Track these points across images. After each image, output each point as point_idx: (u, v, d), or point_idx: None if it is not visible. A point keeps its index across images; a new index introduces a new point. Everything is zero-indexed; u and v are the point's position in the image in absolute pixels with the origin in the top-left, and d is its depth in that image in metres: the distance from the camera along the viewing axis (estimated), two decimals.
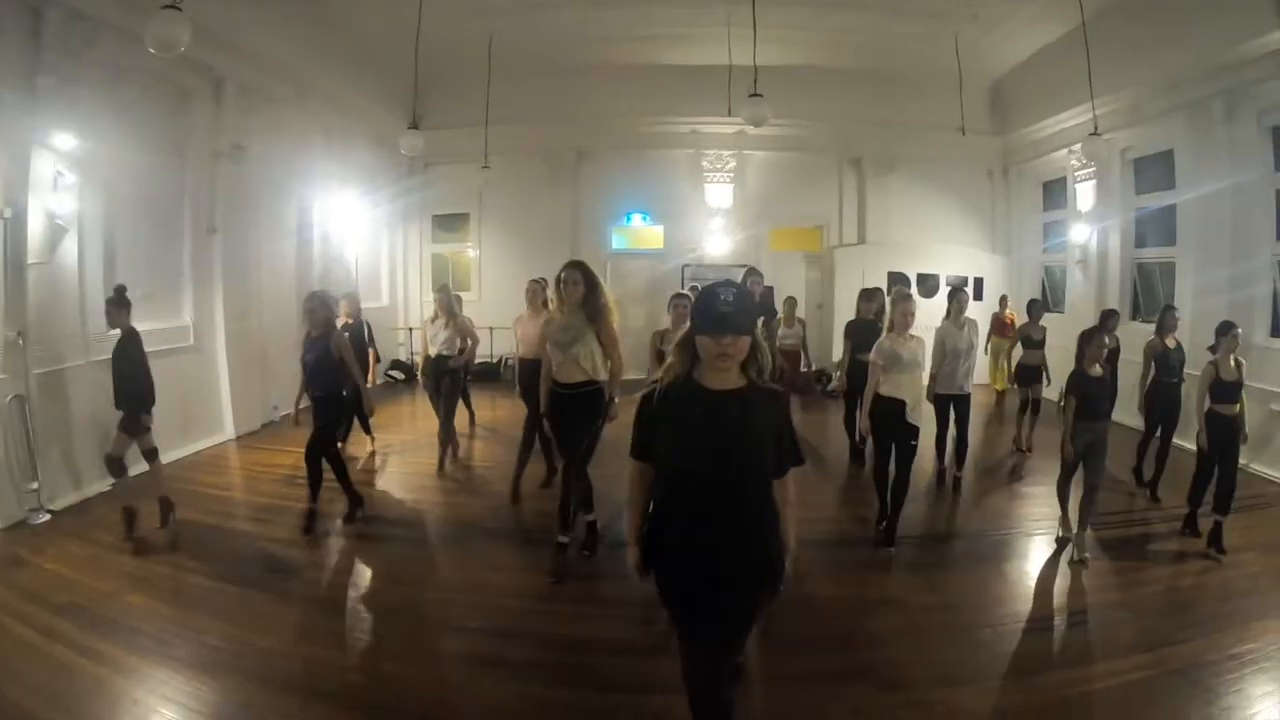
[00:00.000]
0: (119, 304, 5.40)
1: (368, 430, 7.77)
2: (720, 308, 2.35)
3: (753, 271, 7.28)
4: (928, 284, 12.31)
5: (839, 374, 8.09)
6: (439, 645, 4.17)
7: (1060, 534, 5.56)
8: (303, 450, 5.72)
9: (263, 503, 6.43)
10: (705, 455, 2.38)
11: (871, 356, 5.51)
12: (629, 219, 13.34)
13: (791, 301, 9.52)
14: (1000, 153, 12.86)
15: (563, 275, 4.95)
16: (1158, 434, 6.82)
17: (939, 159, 12.61)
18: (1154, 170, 9.65)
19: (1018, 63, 11.50)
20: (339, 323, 7.18)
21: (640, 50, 11.56)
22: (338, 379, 5.71)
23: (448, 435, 7.44)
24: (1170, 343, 6.63)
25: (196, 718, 3.45)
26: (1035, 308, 8.71)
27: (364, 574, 5.15)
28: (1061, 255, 11.69)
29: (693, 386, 2.46)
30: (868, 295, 7.61)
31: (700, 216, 12.87)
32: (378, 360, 7.55)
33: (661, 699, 3.35)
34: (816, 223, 13.22)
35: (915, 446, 5.47)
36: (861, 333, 7.11)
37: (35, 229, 5.90)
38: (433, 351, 7.33)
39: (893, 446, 5.48)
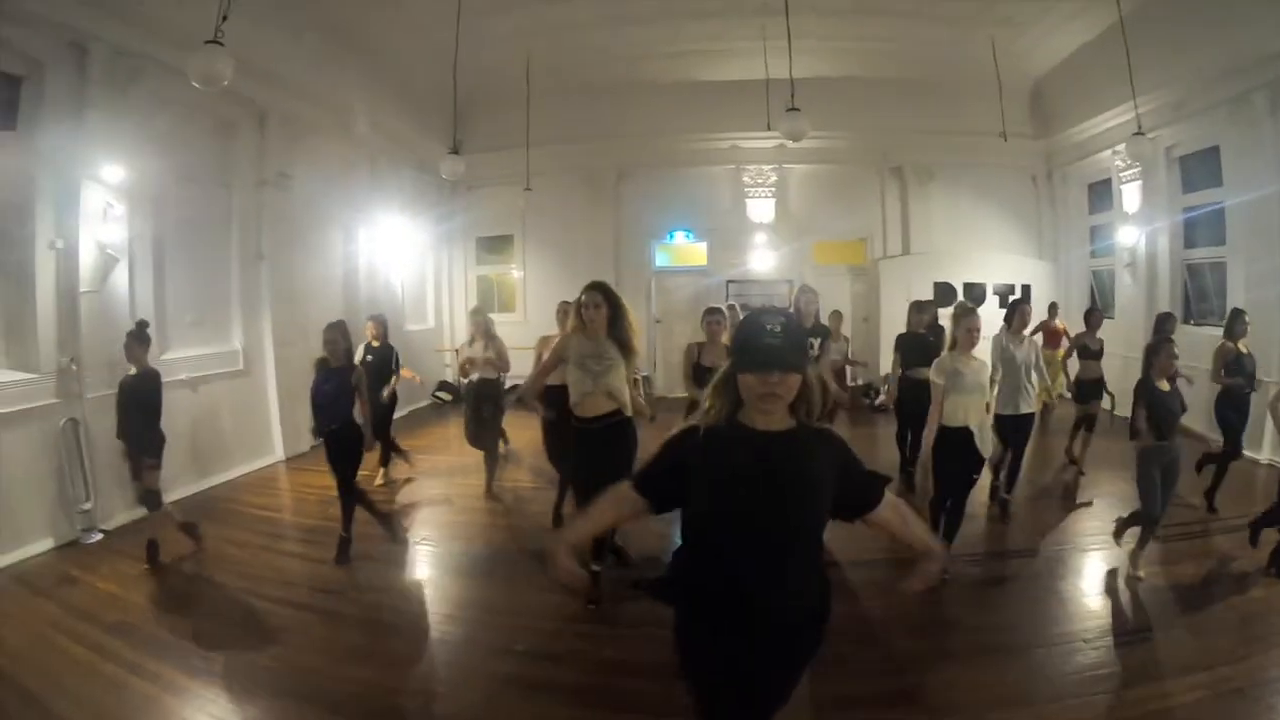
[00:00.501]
0: (140, 339, 5.38)
1: (386, 456, 7.72)
2: (766, 339, 2.03)
3: (806, 290, 6.75)
4: (974, 293, 11.97)
5: (887, 387, 7.87)
6: (485, 667, 4.11)
7: (1133, 572, 4.99)
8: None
9: (310, 524, 6.50)
10: (755, 506, 2.03)
11: (932, 375, 5.06)
12: (671, 236, 13.33)
13: (837, 316, 9.34)
14: (1043, 156, 12.52)
15: (584, 298, 4.66)
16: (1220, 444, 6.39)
17: (981, 165, 12.33)
18: (1201, 168, 9.30)
19: (1056, 63, 11.19)
20: (366, 343, 7.37)
21: (676, 67, 11.59)
22: (352, 412, 5.60)
23: (493, 459, 7.42)
24: (1242, 348, 6.35)
25: None
26: (1093, 316, 8.08)
27: (410, 596, 5.13)
28: (1110, 259, 11.28)
29: (737, 429, 2.11)
30: (919, 308, 7.27)
31: (743, 232, 12.76)
32: (398, 380, 7.51)
33: None
34: (860, 235, 13.01)
35: (976, 480, 5.14)
36: (912, 347, 6.89)
37: (86, 259, 6.11)
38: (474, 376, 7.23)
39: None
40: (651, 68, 11.60)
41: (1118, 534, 5.34)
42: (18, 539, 5.48)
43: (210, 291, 7.93)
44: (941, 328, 7.12)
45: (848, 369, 9.19)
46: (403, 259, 11.68)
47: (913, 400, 6.55)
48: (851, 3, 9.57)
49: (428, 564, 5.66)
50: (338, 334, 5.61)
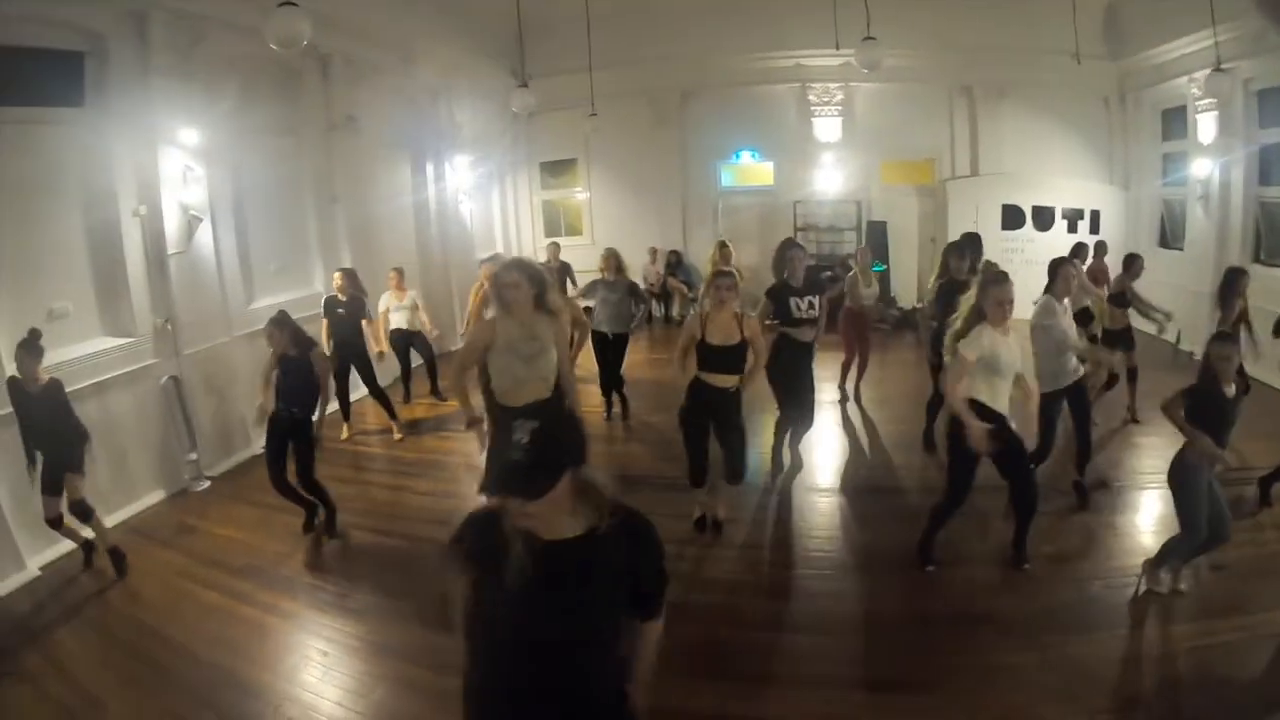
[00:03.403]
0: (31, 351, 4.65)
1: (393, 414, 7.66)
2: (511, 454, 1.70)
3: (791, 245, 5.85)
4: (1043, 217, 11.54)
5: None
6: None
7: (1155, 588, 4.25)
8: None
9: (412, 458, 6.91)
10: (524, 643, 1.80)
11: (962, 350, 4.28)
12: (738, 156, 13.05)
13: (866, 254, 8.49)
14: (1116, 78, 11.63)
15: (501, 277, 4.22)
16: None
17: (1053, 85, 11.56)
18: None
19: None
20: (330, 297, 7.36)
21: None
22: (313, 398, 5.28)
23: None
24: None
25: (382, 660, 3.86)
26: (1136, 263, 7.06)
27: None
28: (1182, 189, 10.55)
29: (514, 533, 1.78)
30: (958, 250, 6.31)
31: (809, 151, 12.37)
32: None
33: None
34: (928, 155, 12.46)
35: (1032, 464, 4.70)
36: (955, 297, 5.54)
37: (171, 222, 6.34)
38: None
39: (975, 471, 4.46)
40: None
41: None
42: (132, 492, 5.96)
43: (290, 239, 8.21)
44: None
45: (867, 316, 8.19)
46: (469, 189, 11.74)
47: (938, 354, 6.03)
48: None
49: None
50: (273, 328, 5.27)
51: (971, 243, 6.60)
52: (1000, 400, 4.33)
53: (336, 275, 7.38)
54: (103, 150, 5.87)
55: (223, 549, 5.24)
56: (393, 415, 7.58)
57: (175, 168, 6.32)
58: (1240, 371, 5.63)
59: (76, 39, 5.67)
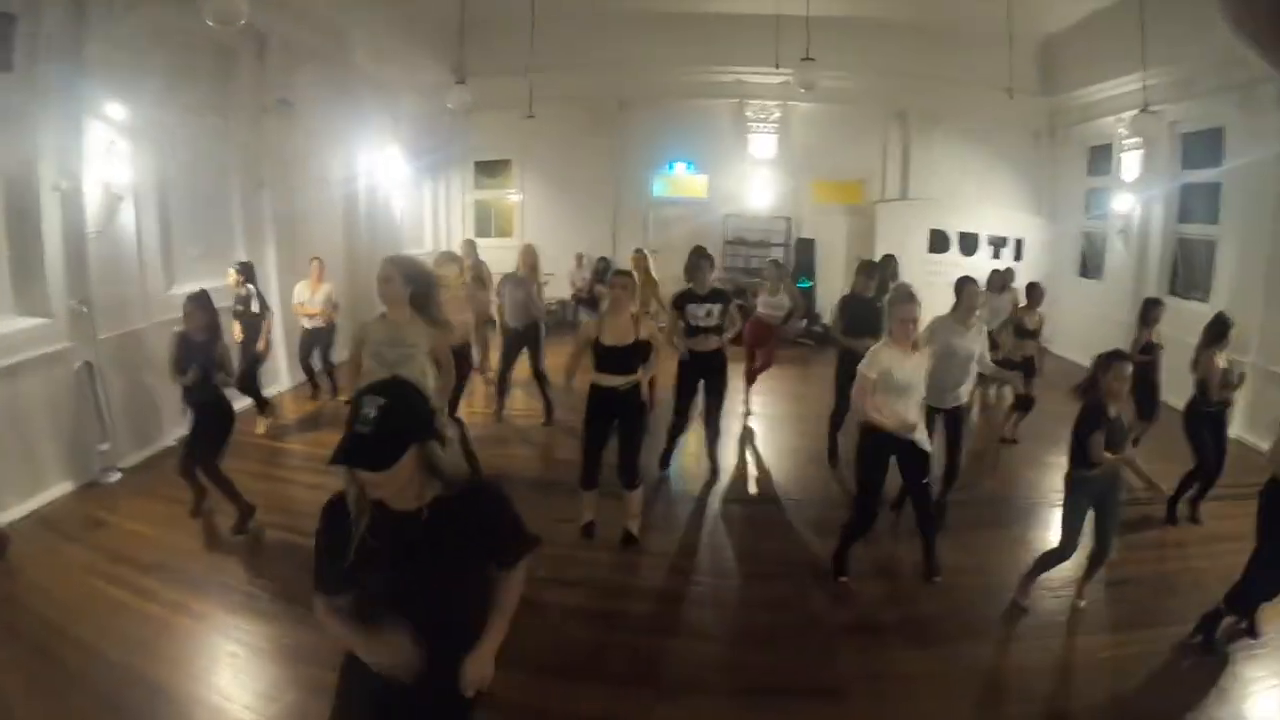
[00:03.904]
0: None
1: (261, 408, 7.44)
2: (356, 426, 1.77)
3: (697, 253, 6.03)
4: (968, 242, 12.08)
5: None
6: None
7: (1019, 600, 4.49)
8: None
9: (321, 453, 6.68)
10: (385, 610, 1.91)
11: (862, 367, 4.46)
12: (671, 167, 13.24)
13: (775, 267, 8.49)
14: (1047, 113, 12.38)
15: (379, 272, 4.18)
16: None
17: (985, 116, 12.18)
18: (1202, 146, 9.28)
19: (1069, 24, 10.99)
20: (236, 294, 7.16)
21: None
22: (217, 387, 5.18)
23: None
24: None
25: (293, 665, 3.74)
26: (1035, 292, 7.52)
27: None
28: (1104, 223, 11.29)
29: (363, 504, 1.91)
30: (867, 271, 6.58)
31: (743, 166, 12.70)
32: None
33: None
34: (859, 176, 12.95)
35: (928, 484, 4.74)
36: (856, 313, 6.19)
37: (92, 199, 6.01)
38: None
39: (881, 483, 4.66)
40: None
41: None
42: (39, 483, 5.59)
43: (213, 224, 7.88)
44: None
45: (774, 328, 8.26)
46: (401, 184, 11.53)
47: (850, 376, 6.36)
48: None
49: None
50: (195, 306, 5.15)
51: (883, 264, 6.99)
52: (901, 418, 4.40)
53: (229, 271, 7.17)
54: (27, 119, 5.51)
55: (132, 545, 5.00)
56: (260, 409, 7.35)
57: (100, 142, 6.01)
58: (1151, 396, 6.02)
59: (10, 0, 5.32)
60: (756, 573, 4.93)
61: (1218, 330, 5.53)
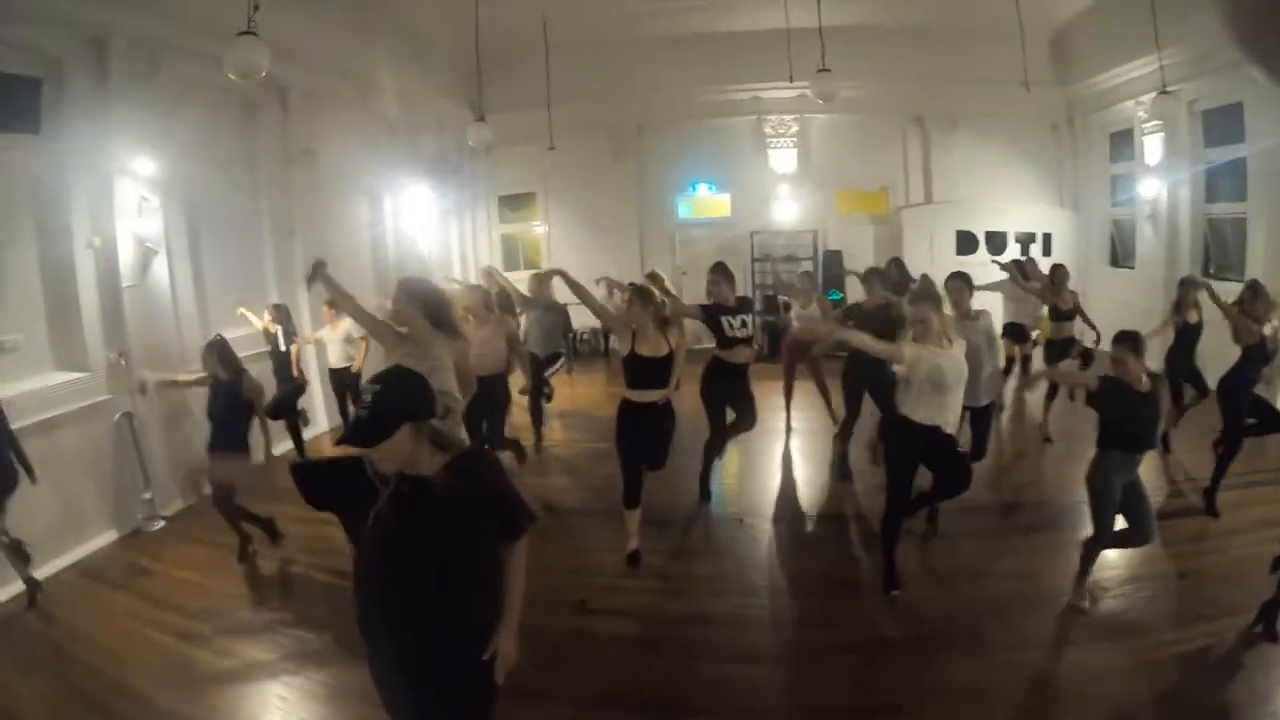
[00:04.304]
0: None
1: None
2: (358, 411, 2.09)
3: (717, 267, 6.00)
4: (996, 242, 11.90)
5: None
6: (559, 623, 4.35)
7: (1074, 602, 4.32)
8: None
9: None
10: (389, 567, 2.17)
11: (899, 366, 4.41)
12: (694, 188, 13.24)
13: (806, 278, 8.28)
14: (1064, 104, 12.18)
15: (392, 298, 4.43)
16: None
17: (1003, 113, 12.03)
18: (1223, 123, 9.07)
19: (1079, 11, 10.81)
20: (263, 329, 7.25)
21: (696, 19, 11.33)
22: (244, 431, 5.28)
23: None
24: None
25: (343, 706, 3.71)
26: (1057, 274, 7.46)
27: None
28: (1131, 209, 11.06)
29: (375, 474, 2.17)
30: (868, 278, 6.66)
31: (765, 182, 12.66)
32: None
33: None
34: (882, 184, 12.83)
35: (964, 483, 4.51)
36: (867, 324, 5.79)
37: (125, 254, 6.18)
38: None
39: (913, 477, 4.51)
40: (669, 21, 11.34)
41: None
42: (82, 533, 5.70)
43: (246, 273, 8.03)
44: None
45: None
46: (427, 223, 11.69)
47: (856, 381, 6.28)
48: None
49: None
50: (204, 350, 5.34)
51: (889, 268, 7.10)
52: (936, 415, 4.30)
53: (265, 312, 7.31)
54: (58, 179, 5.71)
55: (178, 591, 5.04)
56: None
57: (130, 198, 6.18)
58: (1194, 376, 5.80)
59: (34, 64, 5.54)
60: (805, 590, 4.79)
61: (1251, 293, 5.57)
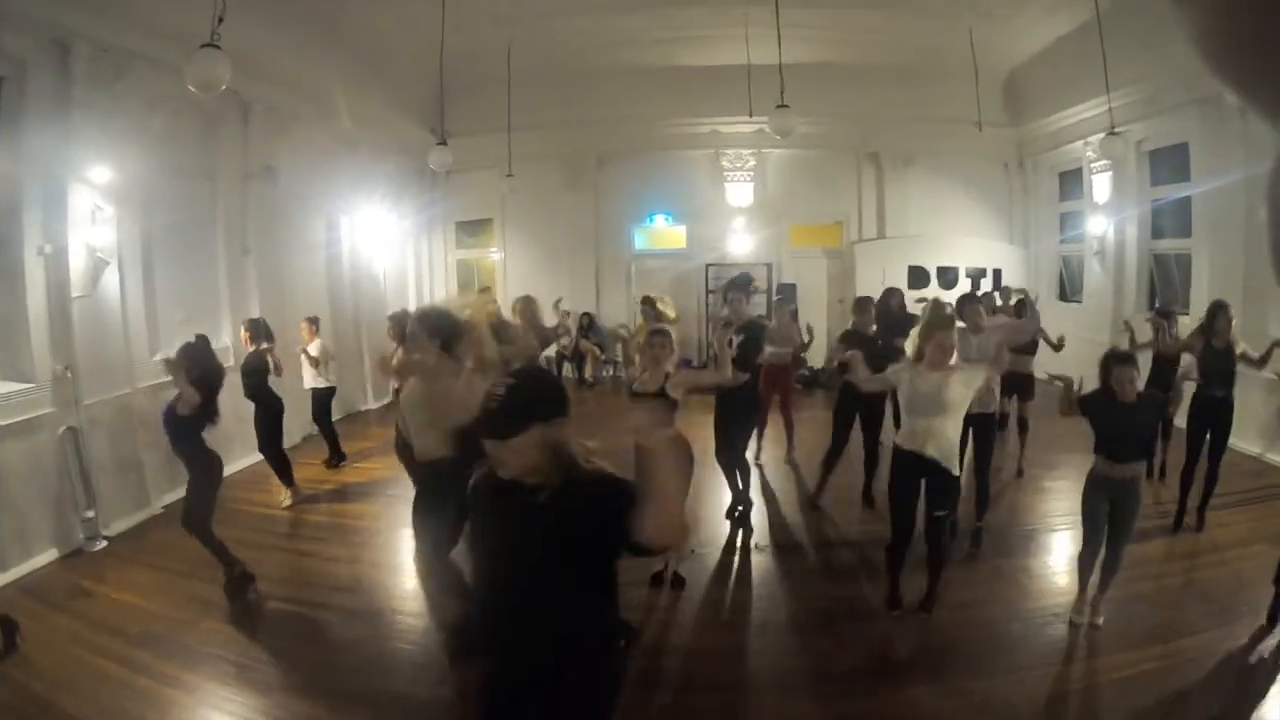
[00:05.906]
0: None
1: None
2: (486, 404, 1.95)
3: (735, 283, 6.21)
4: (947, 277, 12.27)
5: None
6: None
7: (1074, 618, 4.46)
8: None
9: (317, 520, 6.58)
10: (502, 564, 2.07)
11: (894, 379, 4.60)
12: (651, 219, 13.40)
13: (778, 305, 8.49)
14: (1015, 144, 12.76)
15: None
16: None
17: (956, 152, 12.49)
18: (1169, 162, 9.57)
19: (1032, 55, 11.35)
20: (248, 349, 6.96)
21: (658, 53, 11.55)
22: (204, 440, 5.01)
23: None
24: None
25: None
26: (1025, 308, 7.04)
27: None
28: (1079, 246, 11.57)
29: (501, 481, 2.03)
30: (861, 306, 6.78)
31: (722, 215, 12.90)
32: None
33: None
34: (836, 219, 13.19)
35: (949, 516, 4.62)
36: (858, 347, 5.76)
37: (77, 263, 5.98)
38: None
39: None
40: (632, 54, 11.55)
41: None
42: (24, 551, 5.43)
43: (198, 289, 7.85)
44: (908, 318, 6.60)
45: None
46: (384, 246, 11.59)
47: (849, 402, 6.33)
48: None
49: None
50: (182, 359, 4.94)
51: (870, 301, 6.97)
52: (925, 442, 4.32)
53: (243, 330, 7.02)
54: (12, 182, 5.53)
55: (120, 614, 4.81)
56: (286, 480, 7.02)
57: (85, 206, 6.00)
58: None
59: None
60: (807, 618, 4.77)
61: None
